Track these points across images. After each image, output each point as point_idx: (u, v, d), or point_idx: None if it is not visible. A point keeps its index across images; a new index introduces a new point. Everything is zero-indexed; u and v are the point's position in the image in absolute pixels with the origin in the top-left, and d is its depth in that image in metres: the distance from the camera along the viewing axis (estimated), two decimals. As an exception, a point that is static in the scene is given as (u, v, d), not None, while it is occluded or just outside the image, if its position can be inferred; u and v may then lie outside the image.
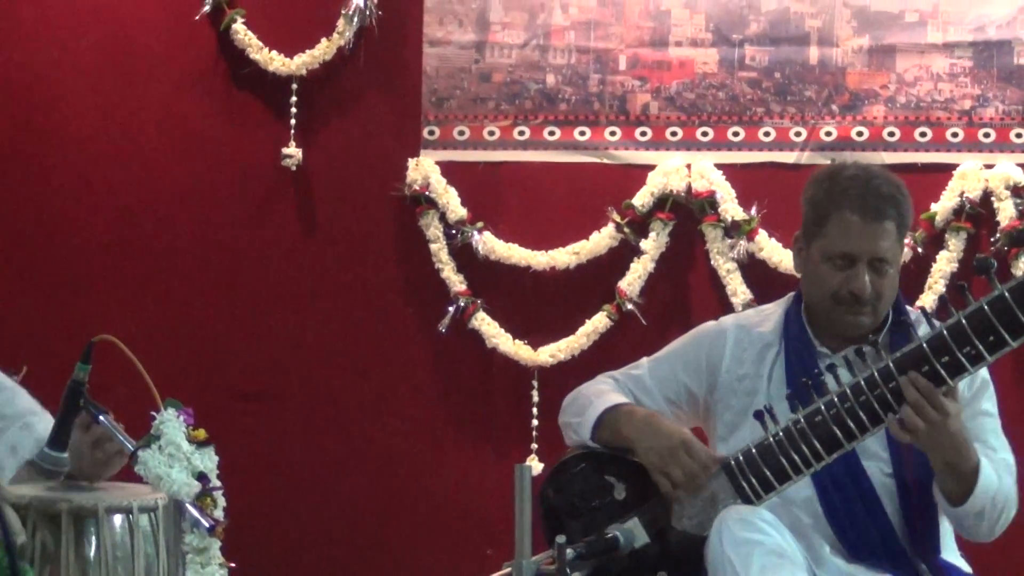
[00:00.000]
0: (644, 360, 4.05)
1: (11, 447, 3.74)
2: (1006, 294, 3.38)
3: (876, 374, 3.51)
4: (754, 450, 3.64)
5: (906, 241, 3.97)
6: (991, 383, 3.82)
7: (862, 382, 3.53)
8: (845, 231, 3.70)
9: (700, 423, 4.00)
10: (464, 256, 5.60)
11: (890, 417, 3.52)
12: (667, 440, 3.73)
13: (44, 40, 5.79)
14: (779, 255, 5.40)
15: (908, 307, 3.90)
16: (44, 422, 3.75)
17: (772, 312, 3.96)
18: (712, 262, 5.47)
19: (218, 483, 3.65)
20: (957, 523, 3.69)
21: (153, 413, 3.61)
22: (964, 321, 3.42)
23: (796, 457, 3.58)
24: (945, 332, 3.45)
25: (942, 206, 5.33)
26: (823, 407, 3.56)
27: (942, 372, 3.46)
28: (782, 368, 3.83)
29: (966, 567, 3.83)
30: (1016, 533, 4.62)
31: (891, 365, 3.50)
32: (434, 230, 5.59)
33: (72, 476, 3.59)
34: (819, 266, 3.75)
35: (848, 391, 3.54)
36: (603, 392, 3.93)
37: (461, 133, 5.63)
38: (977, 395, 3.77)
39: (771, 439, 3.61)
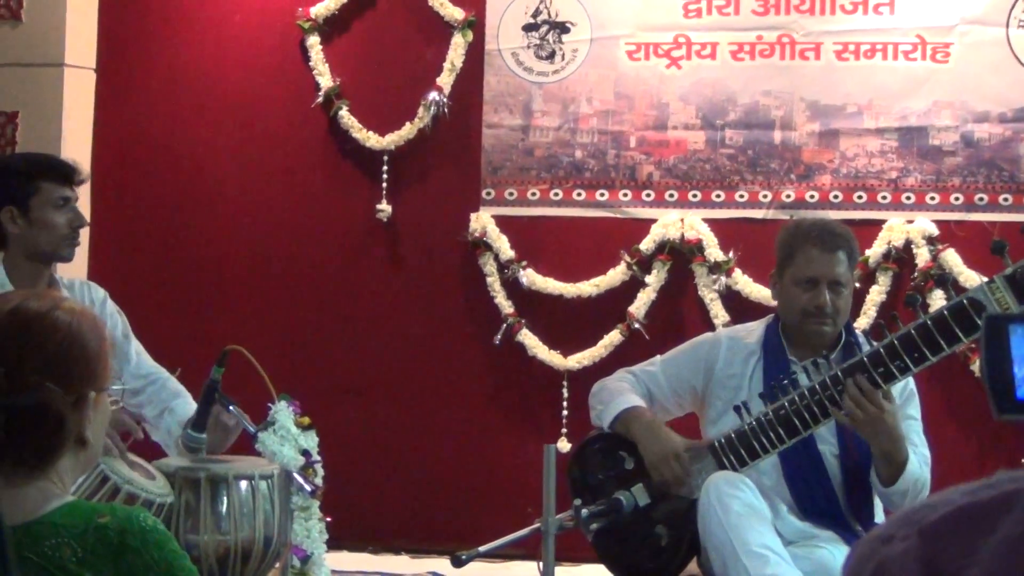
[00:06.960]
0: (658, 358, 3.93)
1: (167, 432, 3.72)
2: (928, 322, 3.33)
3: (827, 379, 3.45)
4: (733, 435, 3.57)
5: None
6: (917, 395, 3.73)
7: (816, 385, 3.46)
8: (808, 260, 3.61)
9: (696, 410, 3.89)
10: (512, 287, 5.51)
11: (837, 411, 3.44)
12: (661, 448, 3.64)
13: (201, 123, 5.78)
14: (750, 288, 5.31)
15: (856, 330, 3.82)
16: (182, 406, 3.72)
17: (756, 328, 3.84)
18: (699, 293, 5.38)
19: (318, 458, 3.72)
20: (885, 500, 3.59)
21: (270, 404, 3.68)
22: (896, 341, 3.36)
23: (764, 440, 3.52)
24: (881, 349, 3.39)
25: (874, 251, 5.22)
26: (786, 404, 3.49)
27: (877, 379, 3.40)
28: (761, 371, 3.72)
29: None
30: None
31: (839, 373, 3.44)
32: (490, 267, 5.52)
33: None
34: (790, 290, 3.65)
35: (805, 392, 3.47)
36: (623, 391, 3.81)
37: (511, 194, 5.55)
38: (905, 403, 3.67)
39: (746, 427, 3.55)
